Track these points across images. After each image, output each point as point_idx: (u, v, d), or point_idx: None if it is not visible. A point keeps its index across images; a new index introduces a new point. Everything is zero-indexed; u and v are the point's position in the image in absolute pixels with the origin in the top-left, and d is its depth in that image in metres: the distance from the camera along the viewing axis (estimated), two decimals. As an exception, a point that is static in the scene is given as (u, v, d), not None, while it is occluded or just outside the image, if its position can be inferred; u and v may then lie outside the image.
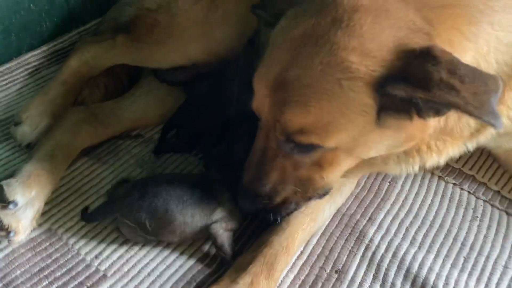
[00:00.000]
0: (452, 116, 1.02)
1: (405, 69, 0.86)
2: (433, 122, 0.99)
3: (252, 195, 1.08)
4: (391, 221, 1.35)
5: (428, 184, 1.47)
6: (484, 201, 1.43)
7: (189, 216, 1.15)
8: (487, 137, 1.11)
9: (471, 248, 1.30)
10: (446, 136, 1.07)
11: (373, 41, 0.88)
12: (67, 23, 1.81)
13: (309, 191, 1.08)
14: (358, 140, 0.96)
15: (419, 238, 1.31)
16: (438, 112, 0.90)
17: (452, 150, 1.10)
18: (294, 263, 1.21)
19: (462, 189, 1.46)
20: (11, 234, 1.11)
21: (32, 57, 1.72)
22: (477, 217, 1.38)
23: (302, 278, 1.19)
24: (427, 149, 1.07)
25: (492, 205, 1.42)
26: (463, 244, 1.30)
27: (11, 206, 1.10)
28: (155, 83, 1.59)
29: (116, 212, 1.17)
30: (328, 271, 1.21)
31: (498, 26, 0.97)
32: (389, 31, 0.89)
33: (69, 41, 1.79)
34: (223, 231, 1.17)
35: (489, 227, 1.35)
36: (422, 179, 1.48)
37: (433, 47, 0.85)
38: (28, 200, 1.14)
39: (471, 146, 1.14)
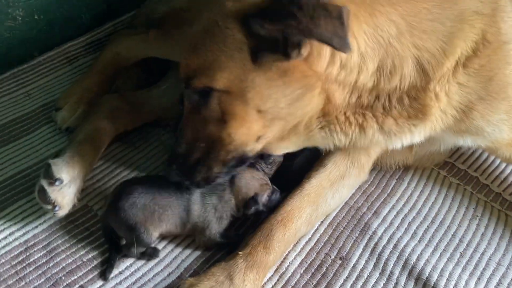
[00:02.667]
0: (364, 88, 1.11)
1: (267, 8, 0.95)
2: (334, 70, 1.05)
3: (173, 158, 1.19)
4: (395, 216, 1.45)
5: (433, 182, 1.56)
6: (485, 201, 1.52)
7: (167, 207, 1.23)
8: (427, 128, 1.18)
9: (468, 245, 1.40)
10: (364, 110, 1.15)
11: None
12: (105, 16, 1.95)
13: (221, 153, 1.13)
14: (245, 81, 1.02)
15: (420, 233, 1.41)
16: (298, 45, 0.96)
17: (379, 127, 1.17)
18: (302, 248, 1.33)
19: (465, 189, 1.55)
20: (56, 208, 1.24)
21: (71, 47, 1.86)
22: (477, 216, 1.48)
23: (309, 262, 1.31)
24: (345, 119, 1.15)
25: (492, 206, 1.51)
26: (460, 241, 1.40)
27: (57, 182, 1.24)
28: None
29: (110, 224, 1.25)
30: (332, 257, 1.33)
31: (402, 9, 1.04)
32: None
33: (105, 32, 1.93)
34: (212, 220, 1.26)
35: (487, 226, 1.45)
36: (427, 178, 1.57)
37: None
38: (71, 178, 1.28)
39: (414, 137, 1.21)
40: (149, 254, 1.26)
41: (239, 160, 1.16)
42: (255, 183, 1.30)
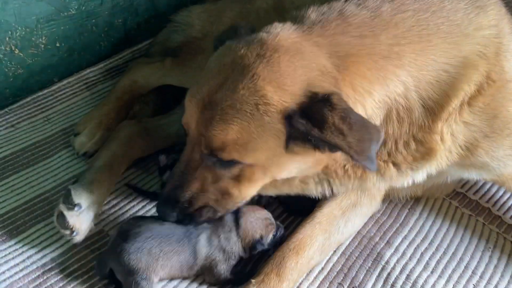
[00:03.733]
0: None
1: (309, 108, 1.01)
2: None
3: (172, 202, 1.18)
4: (408, 246, 1.46)
5: (445, 213, 1.57)
6: (498, 233, 1.52)
7: (173, 252, 1.21)
8: (432, 167, 1.21)
9: (481, 277, 1.40)
10: None
11: (287, 77, 1.03)
12: (122, 44, 2.01)
13: (228, 203, 1.20)
14: (272, 160, 1.09)
15: (433, 263, 1.41)
16: (331, 149, 1.03)
17: (380, 176, 1.21)
18: (315, 278, 1.34)
19: (477, 220, 1.56)
20: (74, 234, 1.27)
21: (90, 73, 1.92)
22: (490, 248, 1.48)
23: (322, 291, 1.32)
24: (344, 172, 1.20)
25: (505, 238, 1.51)
26: (473, 272, 1.40)
27: (76, 208, 1.26)
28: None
29: (109, 265, 1.21)
30: (346, 287, 1.33)
31: (410, 67, 1.10)
32: (302, 70, 1.04)
33: (123, 59, 1.99)
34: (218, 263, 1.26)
35: (500, 258, 1.45)
36: (439, 208, 1.58)
37: (333, 95, 1.00)
38: (89, 203, 1.30)
39: (418, 177, 1.24)
40: None
41: (241, 205, 1.25)
42: (260, 224, 1.31)
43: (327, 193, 1.27)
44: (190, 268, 1.25)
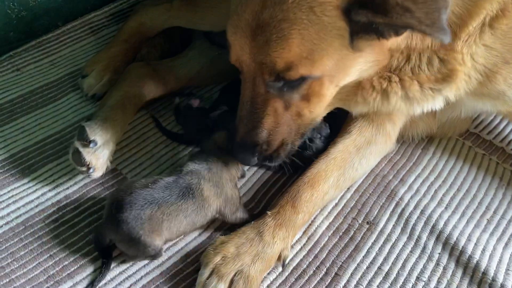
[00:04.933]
0: (397, 48, 1.11)
1: None
2: (392, 44, 1.08)
3: (250, 146, 1.14)
4: (421, 183, 1.45)
5: (458, 152, 1.56)
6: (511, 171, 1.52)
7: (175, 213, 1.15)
8: (452, 92, 1.18)
9: (495, 212, 1.40)
10: (391, 73, 1.16)
11: None
12: (127, -14, 1.94)
13: (302, 127, 1.17)
14: (338, 65, 1.04)
15: (446, 200, 1.41)
16: (397, 32, 0.99)
17: (404, 93, 1.18)
18: (329, 212, 1.34)
19: (491, 159, 1.55)
20: (91, 170, 1.26)
21: (95, 17, 1.87)
22: (503, 185, 1.48)
23: (336, 225, 1.32)
24: (369, 87, 1.17)
25: (519, 175, 1.51)
26: (487, 208, 1.41)
27: (91, 145, 1.25)
28: (206, 46, 1.71)
29: (108, 237, 1.14)
30: (360, 221, 1.33)
31: None
32: None
33: (128, 3, 1.93)
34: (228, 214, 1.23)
35: (513, 195, 1.45)
36: (453, 148, 1.57)
37: None
38: (105, 141, 1.29)
39: (437, 102, 1.21)
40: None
41: (313, 128, 1.24)
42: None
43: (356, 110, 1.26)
44: (203, 218, 1.21)
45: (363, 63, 1.09)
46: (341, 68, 1.06)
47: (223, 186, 1.24)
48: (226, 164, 1.26)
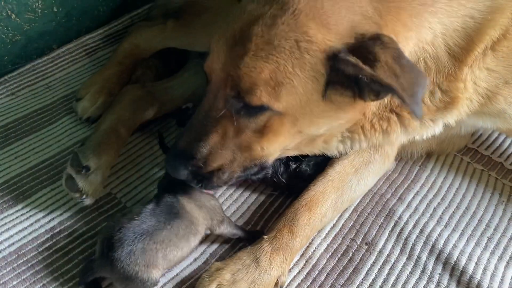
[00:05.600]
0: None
1: (356, 47, 0.94)
2: (372, 105, 1.08)
3: (185, 158, 1.07)
4: (420, 202, 1.44)
5: (456, 169, 1.54)
6: (511, 187, 1.50)
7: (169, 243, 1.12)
8: (453, 117, 1.18)
9: (495, 230, 1.38)
10: (390, 113, 1.15)
11: (331, 16, 0.97)
12: (121, 8, 1.95)
13: (247, 161, 1.11)
14: (305, 109, 1.01)
15: (446, 218, 1.39)
16: (377, 95, 0.99)
17: (404, 129, 1.17)
18: (327, 234, 1.32)
19: (489, 174, 1.53)
20: (84, 197, 1.25)
21: (89, 39, 1.87)
22: (503, 201, 1.46)
23: (335, 247, 1.30)
24: (370, 127, 1.16)
25: (518, 191, 1.49)
26: (487, 226, 1.39)
27: (84, 170, 1.24)
28: (201, 66, 1.70)
29: (98, 273, 1.11)
30: (358, 242, 1.31)
31: (441, 14, 1.06)
32: (346, 11, 0.98)
33: (122, 24, 1.94)
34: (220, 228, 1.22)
35: (514, 211, 1.43)
36: (451, 164, 1.56)
37: (383, 34, 0.95)
38: (98, 166, 1.28)
39: (438, 128, 1.21)
40: None
41: (260, 167, 1.16)
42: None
43: (347, 150, 1.23)
44: (195, 235, 1.18)
45: (332, 120, 1.07)
46: (307, 115, 1.03)
47: (199, 198, 1.21)
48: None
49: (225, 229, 1.24)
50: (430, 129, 1.20)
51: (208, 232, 1.23)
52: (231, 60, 1.00)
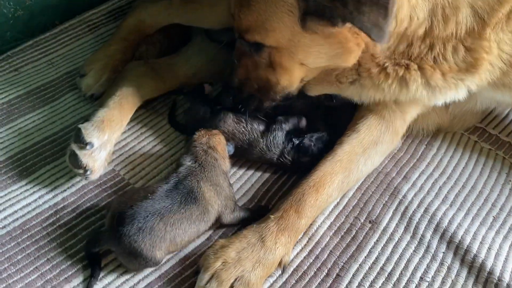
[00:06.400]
0: (415, 36, 1.11)
1: None
2: (367, 38, 1.08)
3: (227, 88, 1.33)
4: (425, 180, 1.42)
5: (463, 148, 1.52)
6: (519, 166, 1.48)
7: (178, 225, 1.12)
8: (475, 82, 1.16)
9: (501, 209, 1.36)
10: (409, 61, 1.15)
11: None
12: (125, -17, 1.91)
13: (270, 92, 1.28)
14: (293, 41, 1.12)
15: (451, 197, 1.38)
16: (343, 20, 1.01)
17: (425, 81, 1.16)
18: (330, 212, 1.32)
19: (497, 154, 1.51)
20: (88, 172, 1.24)
21: (92, 15, 1.84)
22: (510, 181, 1.44)
23: (338, 225, 1.29)
24: (379, 72, 1.17)
25: (526, 171, 1.47)
26: (493, 205, 1.37)
27: (88, 147, 1.23)
28: (205, 43, 1.68)
29: (104, 245, 1.13)
30: (362, 220, 1.31)
31: None
32: None
33: (126, 0, 1.90)
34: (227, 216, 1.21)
35: (521, 191, 1.41)
36: (458, 143, 1.53)
37: None
38: (102, 142, 1.27)
39: (461, 92, 1.19)
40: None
41: (285, 97, 1.30)
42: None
43: (361, 97, 1.27)
44: (206, 223, 1.18)
45: (325, 47, 1.13)
46: (298, 46, 1.13)
47: (221, 184, 1.22)
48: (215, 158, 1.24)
49: (234, 218, 1.23)
50: (453, 89, 1.18)
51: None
52: (237, 8, 1.16)
